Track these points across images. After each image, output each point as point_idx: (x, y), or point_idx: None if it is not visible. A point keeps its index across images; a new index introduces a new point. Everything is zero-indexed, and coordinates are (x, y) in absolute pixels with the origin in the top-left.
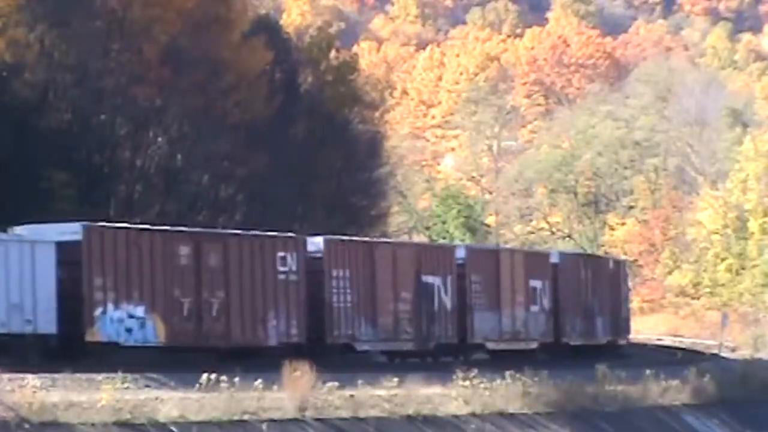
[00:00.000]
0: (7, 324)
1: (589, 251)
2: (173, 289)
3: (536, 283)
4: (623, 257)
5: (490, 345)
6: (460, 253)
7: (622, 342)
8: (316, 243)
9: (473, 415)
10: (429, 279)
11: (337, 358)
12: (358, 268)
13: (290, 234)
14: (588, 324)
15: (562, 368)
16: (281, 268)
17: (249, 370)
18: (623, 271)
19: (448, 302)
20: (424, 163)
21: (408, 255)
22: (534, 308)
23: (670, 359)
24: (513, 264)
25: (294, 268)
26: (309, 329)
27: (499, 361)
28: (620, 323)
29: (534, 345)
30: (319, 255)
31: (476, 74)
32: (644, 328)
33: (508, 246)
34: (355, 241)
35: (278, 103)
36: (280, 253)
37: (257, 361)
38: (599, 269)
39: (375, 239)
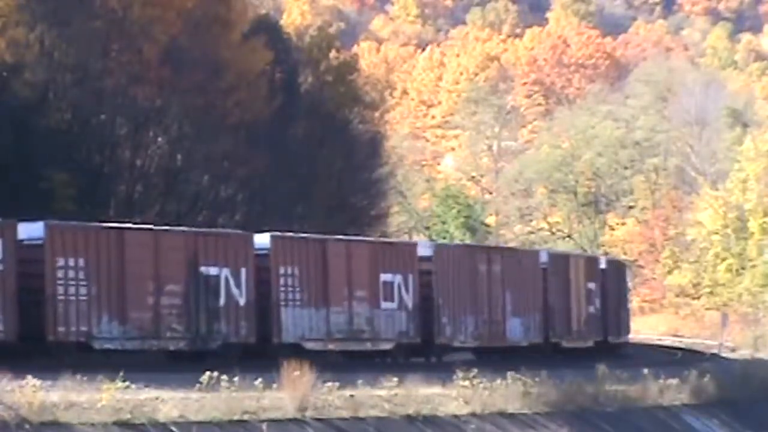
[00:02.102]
0: None
1: (589, 251)
2: None
3: (392, 278)
4: (548, 249)
5: (310, 345)
6: (262, 242)
7: (566, 344)
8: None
9: (473, 415)
10: (212, 270)
11: (66, 358)
12: (98, 257)
13: None
14: (491, 325)
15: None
16: None
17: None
18: (557, 264)
19: (240, 297)
20: (424, 163)
21: (181, 243)
22: (387, 305)
23: (670, 359)
24: (352, 254)
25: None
26: (23, 325)
27: (324, 365)
28: (554, 321)
29: (388, 346)
30: (40, 242)
31: (476, 74)
32: (644, 328)
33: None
34: (91, 226)
35: (278, 103)
36: None
37: None
38: (512, 262)
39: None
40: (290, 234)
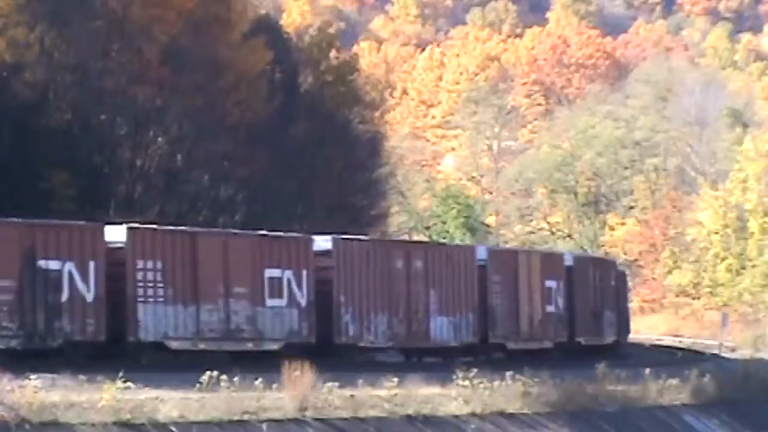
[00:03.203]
0: None
1: (589, 251)
2: None
3: (281, 274)
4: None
5: (175, 344)
6: (115, 236)
7: (514, 345)
8: None
9: (473, 415)
10: (52, 264)
11: None
12: None
13: None
14: (410, 324)
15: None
16: None
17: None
18: (499, 261)
19: (87, 292)
20: (424, 163)
21: (15, 235)
22: (275, 302)
23: (670, 359)
24: (229, 249)
25: None
26: None
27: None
28: (495, 321)
29: (274, 346)
30: None
31: (476, 74)
32: (644, 328)
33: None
34: None
35: (278, 103)
36: None
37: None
38: (438, 259)
39: None
40: (152, 226)
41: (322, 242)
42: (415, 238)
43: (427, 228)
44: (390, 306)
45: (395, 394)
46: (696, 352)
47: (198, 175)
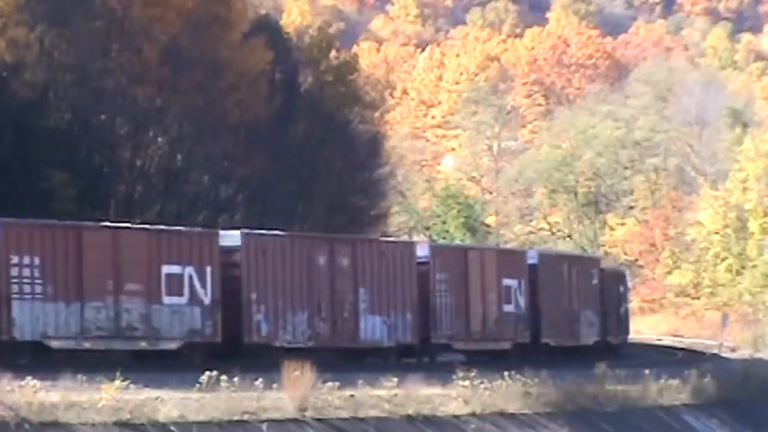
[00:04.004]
0: None
1: (589, 251)
2: None
3: (181, 270)
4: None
5: (56, 344)
6: None
7: (462, 345)
8: None
9: (473, 415)
10: None
11: None
12: None
13: None
14: (335, 324)
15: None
16: None
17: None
18: (445, 259)
19: None
20: (424, 163)
21: None
22: (173, 300)
23: (670, 359)
24: (120, 244)
25: None
26: None
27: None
28: (439, 321)
29: (173, 345)
30: None
31: (476, 74)
32: (644, 328)
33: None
34: None
35: (278, 103)
36: None
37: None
38: (369, 256)
39: None
40: (29, 221)
41: (230, 237)
42: (415, 238)
43: (427, 228)
44: (311, 304)
45: (395, 394)
46: (696, 352)
47: (198, 175)
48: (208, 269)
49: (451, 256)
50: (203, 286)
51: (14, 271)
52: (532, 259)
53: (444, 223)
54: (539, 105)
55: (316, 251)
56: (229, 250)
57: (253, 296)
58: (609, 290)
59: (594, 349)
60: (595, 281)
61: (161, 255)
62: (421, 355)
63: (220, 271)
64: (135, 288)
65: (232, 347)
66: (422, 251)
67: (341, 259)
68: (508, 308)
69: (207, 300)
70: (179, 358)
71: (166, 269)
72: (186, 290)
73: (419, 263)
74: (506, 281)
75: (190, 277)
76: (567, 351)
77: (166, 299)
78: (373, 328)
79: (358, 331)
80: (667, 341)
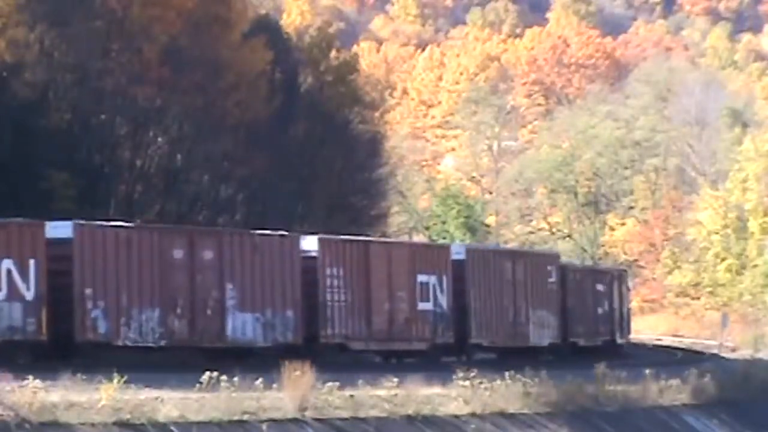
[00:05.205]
0: None
1: (589, 251)
2: None
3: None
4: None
5: None
6: None
7: (358, 345)
8: None
9: (473, 415)
10: None
11: None
12: None
13: None
14: (195, 321)
15: None
16: None
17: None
18: (337, 253)
19: None
20: (424, 163)
21: None
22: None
23: (670, 359)
24: None
25: None
26: None
27: None
28: (327, 319)
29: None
30: None
31: (476, 74)
32: (644, 328)
33: None
34: None
35: (278, 103)
36: None
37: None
38: (239, 249)
39: None
40: None
41: (60, 229)
42: (415, 238)
43: (427, 228)
44: (164, 301)
45: (395, 394)
46: (696, 352)
47: (198, 175)
48: (32, 262)
49: (347, 250)
50: (25, 280)
51: None
52: (458, 254)
53: (444, 223)
54: (539, 105)
55: (171, 244)
56: (59, 242)
57: (88, 291)
58: (579, 289)
59: (548, 350)
60: (552, 279)
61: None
62: (308, 356)
63: (48, 265)
64: None
65: (62, 346)
66: (309, 245)
67: (204, 253)
68: (425, 306)
69: (29, 295)
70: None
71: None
72: (4, 285)
73: (305, 257)
74: (422, 277)
75: (9, 271)
76: (510, 352)
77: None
78: (243, 327)
79: (224, 330)
80: (667, 341)
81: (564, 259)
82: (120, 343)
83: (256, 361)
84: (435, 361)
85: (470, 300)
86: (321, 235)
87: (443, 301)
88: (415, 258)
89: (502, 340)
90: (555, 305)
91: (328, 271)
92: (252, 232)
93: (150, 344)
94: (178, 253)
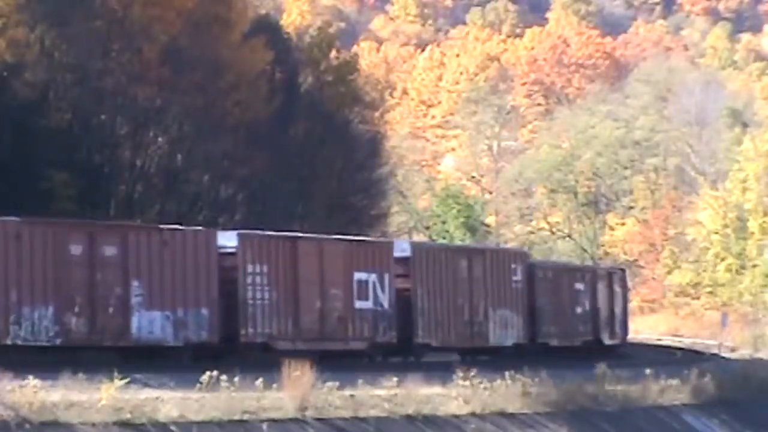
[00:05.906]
0: None
1: (589, 251)
2: None
3: None
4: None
5: None
6: None
7: (284, 345)
8: None
9: (473, 415)
10: None
11: None
12: None
13: None
14: (96, 320)
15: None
16: None
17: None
18: (261, 249)
19: None
20: (424, 163)
21: None
22: None
23: (670, 359)
24: None
25: None
26: None
27: None
28: (248, 317)
29: None
30: None
31: (476, 74)
32: (644, 328)
33: None
34: None
35: (278, 103)
36: None
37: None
38: (144, 244)
39: None
40: None
41: None
42: (415, 238)
43: (427, 228)
44: (60, 298)
45: (395, 394)
46: (696, 352)
47: (198, 175)
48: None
49: (271, 246)
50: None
51: None
52: (403, 251)
53: (444, 223)
54: (539, 105)
55: (67, 239)
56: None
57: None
58: (551, 288)
59: (511, 350)
60: (518, 277)
61: None
62: (226, 356)
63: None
64: None
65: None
66: (227, 240)
67: (105, 249)
68: (363, 305)
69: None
70: None
71: None
72: None
73: (223, 253)
74: (360, 275)
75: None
76: (469, 352)
77: None
78: (150, 325)
79: (129, 329)
80: (667, 341)
81: (565, 258)
82: (9, 342)
83: (167, 361)
84: (380, 361)
85: (416, 299)
86: (241, 231)
87: (384, 299)
88: (352, 255)
89: (457, 340)
90: (520, 304)
91: (249, 268)
92: (161, 227)
93: (44, 343)
94: (76, 249)
